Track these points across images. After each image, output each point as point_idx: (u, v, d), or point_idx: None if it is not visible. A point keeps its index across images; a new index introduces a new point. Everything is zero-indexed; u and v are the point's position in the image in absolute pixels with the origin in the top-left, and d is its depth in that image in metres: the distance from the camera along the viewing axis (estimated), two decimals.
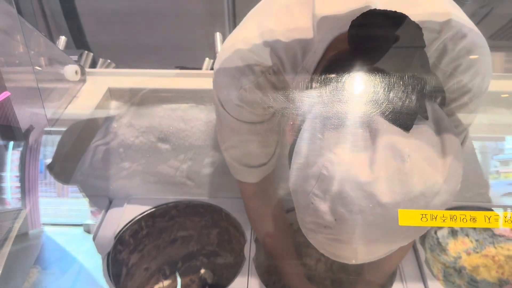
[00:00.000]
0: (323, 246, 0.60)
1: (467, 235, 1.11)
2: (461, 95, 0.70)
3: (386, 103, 0.52)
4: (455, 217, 0.50)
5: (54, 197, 1.02)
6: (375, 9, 0.57)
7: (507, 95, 1.01)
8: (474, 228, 1.11)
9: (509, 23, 1.37)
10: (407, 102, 0.52)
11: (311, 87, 0.62)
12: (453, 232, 1.11)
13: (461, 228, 1.11)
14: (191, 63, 1.29)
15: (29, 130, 0.81)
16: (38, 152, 0.86)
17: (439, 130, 0.53)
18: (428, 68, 0.58)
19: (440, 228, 1.10)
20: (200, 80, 1.08)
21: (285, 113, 0.69)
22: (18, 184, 0.83)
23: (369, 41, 0.56)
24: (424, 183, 0.50)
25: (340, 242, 0.55)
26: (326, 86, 0.57)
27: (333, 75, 0.57)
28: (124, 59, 1.41)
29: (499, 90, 1.01)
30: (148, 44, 1.83)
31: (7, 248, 0.74)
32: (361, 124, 0.52)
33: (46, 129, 0.88)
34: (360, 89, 0.55)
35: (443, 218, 0.50)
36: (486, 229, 1.11)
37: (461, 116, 0.73)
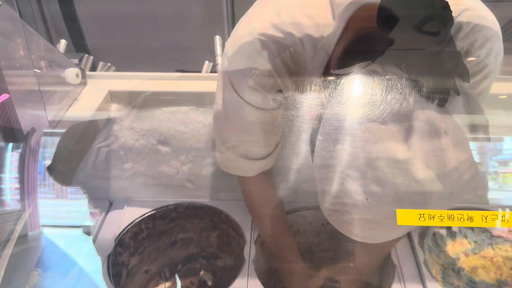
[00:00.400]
0: (347, 227, 0.60)
1: (465, 236, 1.12)
2: (479, 71, 0.71)
3: (419, 81, 0.52)
4: (452, 217, 0.51)
5: (54, 198, 1.02)
6: None
7: (505, 97, 1.01)
8: (473, 230, 1.11)
9: (509, 24, 1.38)
10: (440, 79, 0.52)
11: (337, 69, 0.61)
12: (452, 234, 1.11)
13: (460, 230, 1.11)
14: (191, 66, 1.29)
15: (31, 132, 0.82)
16: (39, 154, 0.87)
17: (468, 106, 0.54)
18: (454, 45, 0.57)
19: (438, 229, 1.10)
20: (200, 83, 1.09)
21: (299, 100, 0.68)
22: (18, 186, 0.84)
23: (398, 20, 0.55)
24: (458, 158, 0.51)
25: (368, 221, 0.56)
26: (353, 68, 0.56)
27: (359, 58, 0.56)
28: (124, 62, 1.42)
29: (497, 92, 1.01)
30: (148, 47, 1.84)
31: (8, 250, 0.74)
32: (395, 102, 0.52)
33: (47, 131, 0.88)
34: (391, 69, 0.54)
35: (441, 218, 0.51)
36: (484, 231, 1.11)
37: (479, 91, 0.74)
